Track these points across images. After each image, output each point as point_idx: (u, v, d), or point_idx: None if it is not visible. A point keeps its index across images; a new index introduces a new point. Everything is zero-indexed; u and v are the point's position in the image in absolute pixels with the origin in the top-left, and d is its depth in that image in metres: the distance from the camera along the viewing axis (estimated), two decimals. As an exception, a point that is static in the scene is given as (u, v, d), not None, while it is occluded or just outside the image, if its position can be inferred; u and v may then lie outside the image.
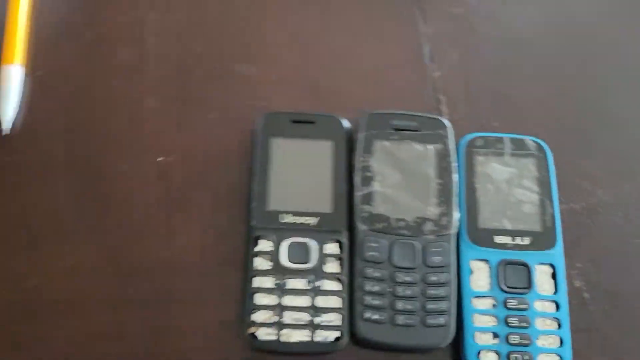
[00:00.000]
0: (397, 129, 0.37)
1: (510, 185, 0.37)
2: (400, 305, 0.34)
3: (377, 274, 0.34)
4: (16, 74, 0.38)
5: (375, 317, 0.34)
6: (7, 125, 0.38)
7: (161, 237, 0.36)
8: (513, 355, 0.34)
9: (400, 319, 0.34)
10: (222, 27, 0.42)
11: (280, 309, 0.34)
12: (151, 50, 0.40)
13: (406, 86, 0.41)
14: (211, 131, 0.39)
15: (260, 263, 0.35)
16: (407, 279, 0.34)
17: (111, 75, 0.40)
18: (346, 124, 0.38)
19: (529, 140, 0.38)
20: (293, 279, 0.34)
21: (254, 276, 0.34)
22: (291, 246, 0.35)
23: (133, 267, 0.36)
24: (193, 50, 0.41)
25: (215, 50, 0.41)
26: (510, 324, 0.34)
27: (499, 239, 0.36)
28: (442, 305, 0.34)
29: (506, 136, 0.38)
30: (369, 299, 0.34)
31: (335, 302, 0.34)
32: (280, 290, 0.34)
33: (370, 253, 0.35)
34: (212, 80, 0.40)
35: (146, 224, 0.36)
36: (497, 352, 0.34)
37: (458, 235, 0.36)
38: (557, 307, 0.35)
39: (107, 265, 0.35)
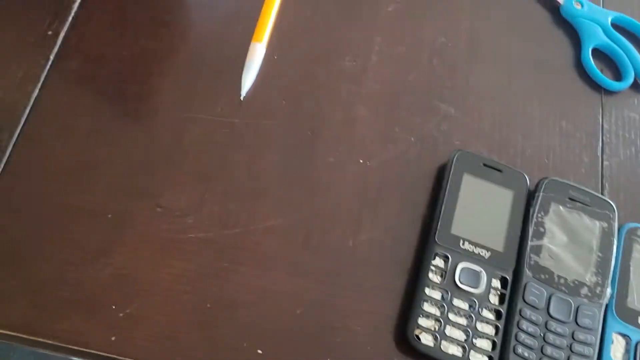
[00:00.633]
0: (571, 199, 0.42)
1: (659, 277, 0.41)
2: (549, 350, 0.38)
3: (534, 317, 0.38)
4: (260, 51, 0.44)
5: (526, 354, 0.38)
6: (244, 93, 0.43)
7: (349, 226, 0.41)
8: None
9: (547, 362, 0.38)
10: (433, 67, 0.47)
11: (444, 321, 0.38)
12: (373, 67, 0.46)
13: (579, 166, 0.46)
14: (409, 151, 0.44)
15: (434, 276, 0.39)
16: (559, 330, 0.38)
17: (335, 77, 0.45)
18: (528, 181, 0.42)
19: (683, 243, 0.42)
20: (459, 299, 0.38)
21: (427, 286, 0.39)
22: (465, 269, 0.39)
23: (319, 244, 0.40)
24: (406, 78, 0.46)
25: (424, 84, 0.46)
26: (638, 398, 0.38)
27: (642, 321, 0.40)
28: (584, 361, 0.38)
29: (664, 234, 0.43)
30: (523, 337, 0.38)
31: (491, 330, 0.38)
32: (447, 305, 0.38)
33: (532, 297, 0.39)
34: (417, 109, 0.45)
35: (339, 212, 0.41)
36: (621, 419, 0.37)
37: (606, 307, 0.40)
38: (681, 398, 0.38)
39: (299, 236, 0.40)
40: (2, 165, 0.38)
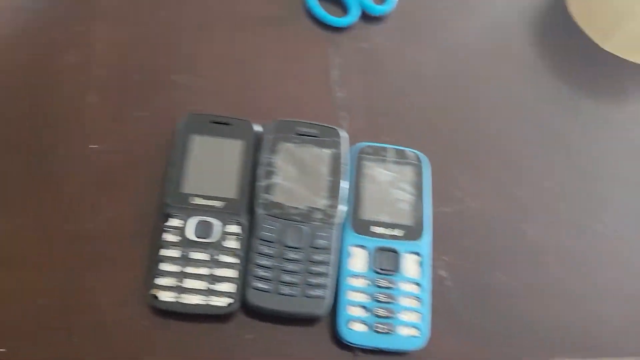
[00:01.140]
0: (299, 134, 0.44)
1: (390, 186, 0.44)
2: (286, 277, 0.40)
3: (268, 251, 0.41)
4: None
5: (264, 286, 0.40)
6: (-39, 108, 0.43)
7: (88, 211, 0.42)
8: (378, 325, 0.40)
9: (285, 290, 0.40)
10: (164, 40, 0.49)
11: (182, 276, 0.40)
12: (96, 56, 0.47)
13: (314, 103, 0.48)
14: (141, 127, 0.45)
15: (168, 237, 0.40)
16: (294, 256, 0.41)
17: (59, 72, 0.46)
18: (257, 127, 0.45)
19: (409, 151, 0.45)
20: (197, 252, 0.40)
21: (161, 247, 0.40)
22: (198, 224, 0.41)
23: (62, 234, 0.41)
24: (134, 58, 0.48)
25: (153, 61, 0.48)
26: (378, 300, 0.40)
27: (375, 229, 0.42)
28: (321, 280, 0.40)
29: (390, 147, 0.45)
30: (258, 271, 0.40)
31: (232, 273, 0.40)
32: (184, 260, 0.40)
33: (265, 233, 0.41)
34: (148, 85, 0.47)
35: (76, 199, 0.42)
36: (364, 323, 0.40)
37: (344, 225, 0.42)
38: (420, 288, 0.41)
39: (40, 231, 0.41)
40: None
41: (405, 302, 0.41)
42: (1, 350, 0.37)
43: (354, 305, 0.40)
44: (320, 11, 0.52)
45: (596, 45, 0.56)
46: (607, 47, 0.55)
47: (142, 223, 0.42)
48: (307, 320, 0.41)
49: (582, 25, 0.56)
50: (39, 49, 0.47)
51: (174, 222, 0.41)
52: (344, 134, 0.45)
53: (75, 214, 0.42)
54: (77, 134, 0.44)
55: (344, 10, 0.53)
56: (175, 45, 0.49)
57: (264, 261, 0.40)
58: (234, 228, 0.41)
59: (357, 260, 0.42)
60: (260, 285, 0.40)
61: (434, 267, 0.43)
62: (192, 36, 0.49)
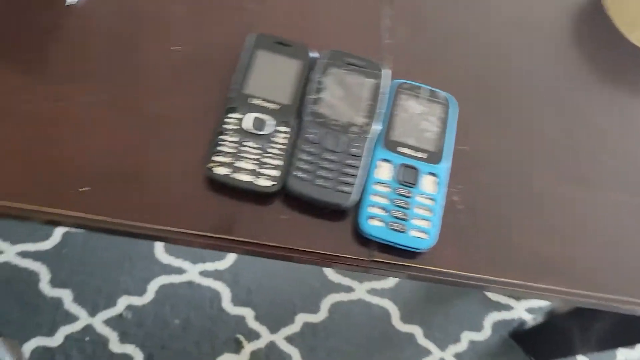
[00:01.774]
0: (349, 64, 0.52)
1: (420, 118, 0.51)
2: (321, 172, 0.47)
3: (309, 149, 0.48)
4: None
5: (303, 176, 0.47)
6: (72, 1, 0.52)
7: (163, 96, 0.50)
8: (393, 224, 0.47)
9: (320, 181, 0.47)
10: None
11: (236, 157, 0.47)
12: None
13: (366, 44, 0.56)
14: (216, 38, 0.53)
15: (229, 126, 0.48)
16: (331, 157, 0.48)
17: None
18: (314, 53, 0.52)
19: (440, 92, 0.52)
20: (250, 141, 0.48)
21: (223, 133, 0.48)
22: (255, 119, 0.48)
23: (140, 113, 0.49)
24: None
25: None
26: (396, 204, 0.47)
27: (402, 149, 0.49)
28: (350, 180, 0.47)
29: (425, 86, 0.52)
30: (300, 164, 0.47)
31: (277, 162, 0.48)
32: (239, 145, 0.48)
33: (309, 135, 0.48)
34: (225, 7, 0.55)
35: (154, 88, 0.50)
36: (382, 220, 0.47)
37: (376, 142, 0.50)
38: (434, 202, 0.48)
39: (121, 108, 0.49)
40: None
41: (419, 210, 0.48)
42: (86, 188, 0.45)
43: (375, 206, 0.47)
44: (381, -31, 0.59)
45: (622, 36, 0.62)
46: (632, 38, 0.62)
47: (207, 113, 0.50)
48: (334, 214, 0.48)
49: (613, 14, 0.63)
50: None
51: (235, 115, 0.49)
52: (386, 70, 0.52)
53: (152, 98, 0.50)
54: (162, 36, 0.52)
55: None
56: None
57: (305, 157, 0.48)
58: (283, 127, 0.49)
59: (383, 171, 0.49)
60: (300, 174, 0.47)
61: (449, 192, 0.50)
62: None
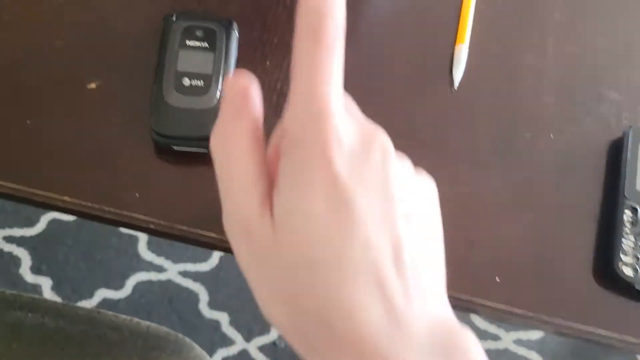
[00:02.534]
0: None
1: None
2: None
3: None
4: (465, 51, 0.55)
5: None
6: (456, 85, 0.54)
7: (549, 187, 0.51)
8: None
9: None
10: (596, 59, 0.58)
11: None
12: (550, 62, 0.57)
13: None
14: (587, 129, 0.54)
15: (627, 224, 0.49)
16: None
17: (521, 71, 0.56)
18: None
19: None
20: (648, 241, 0.48)
21: (620, 230, 0.48)
22: (650, 218, 0.49)
23: (524, 205, 0.50)
24: (579, 73, 0.57)
25: (592, 75, 0.57)
26: None
27: None
28: None
29: None
30: None
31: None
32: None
33: None
34: (589, 95, 0.56)
35: (538, 176, 0.51)
36: None
37: None
38: None
39: (516, 195, 0.50)
40: None
41: None
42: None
43: None
44: None
45: None
46: None
47: (591, 206, 0.51)
48: None
49: None
50: (495, 50, 0.57)
51: (630, 213, 0.49)
52: None
53: (535, 188, 0.51)
54: (535, 124, 0.54)
55: None
56: (604, 64, 0.58)
57: None
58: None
59: None
60: None
61: None
62: (624, 57, 0.58)
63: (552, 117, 0.54)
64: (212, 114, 0.46)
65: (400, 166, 0.28)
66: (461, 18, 0.57)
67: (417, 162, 0.50)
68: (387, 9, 0.58)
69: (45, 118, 0.47)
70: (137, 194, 0.45)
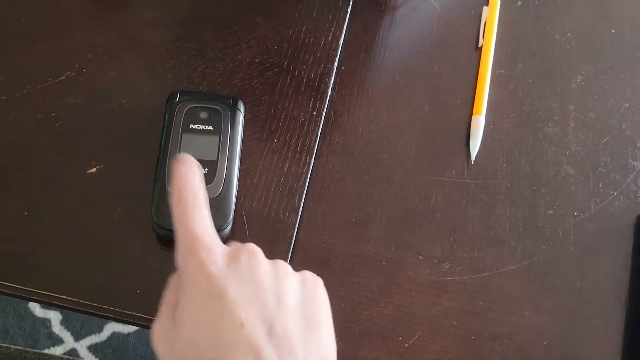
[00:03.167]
0: None
1: None
2: None
3: None
4: (481, 122, 0.52)
5: None
6: (473, 158, 0.51)
7: (575, 271, 0.48)
8: None
9: None
10: (622, 130, 0.55)
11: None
12: (572, 132, 0.54)
13: None
14: (613, 203, 0.51)
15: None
16: None
17: (542, 140, 0.53)
18: None
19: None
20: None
21: (652, 320, 0.45)
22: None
23: (553, 285, 0.47)
24: (600, 141, 0.54)
25: (618, 145, 0.54)
26: None
27: None
28: None
29: None
30: None
31: None
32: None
33: None
34: (614, 167, 0.53)
35: (564, 258, 0.48)
36: None
37: None
38: None
39: (534, 278, 0.47)
40: (297, 222, 0.47)
41: None
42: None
43: None
44: None
45: None
46: None
47: (622, 290, 0.47)
48: None
49: None
50: (514, 119, 0.54)
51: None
52: None
53: (565, 270, 0.48)
54: (561, 200, 0.51)
55: None
56: (630, 132, 0.55)
57: None
58: None
59: None
60: None
61: None
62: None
63: (575, 191, 0.51)
64: (217, 203, 0.44)
65: (269, 262, 0.35)
66: (478, 87, 0.54)
67: (430, 245, 0.49)
68: (400, 74, 0.55)
69: (43, 207, 0.45)
70: (138, 290, 0.43)
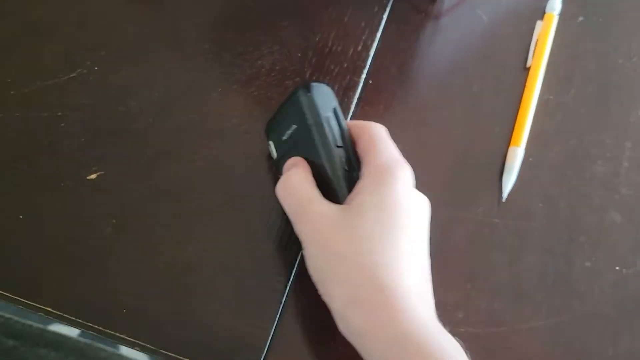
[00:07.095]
0: None
1: None
2: None
3: None
4: (520, 155, 0.47)
5: None
6: (505, 195, 0.46)
7: (607, 335, 0.42)
8: None
9: None
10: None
11: None
12: (625, 172, 0.47)
13: None
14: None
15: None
16: None
17: (588, 181, 0.47)
18: None
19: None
20: None
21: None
22: None
23: (579, 350, 0.42)
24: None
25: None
26: None
27: None
28: None
29: None
30: None
31: None
32: None
33: None
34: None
35: (596, 320, 0.43)
36: None
37: None
38: None
39: (559, 340, 0.42)
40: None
41: None
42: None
43: None
44: None
45: None
46: None
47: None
48: None
49: None
50: (557, 153, 0.48)
51: None
52: None
53: (595, 334, 0.42)
54: (602, 251, 0.45)
55: None
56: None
57: None
58: None
59: None
60: None
61: None
62: None
63: (620, 242, 0.45)
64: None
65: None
66: (520, 113, 0.48)
67: (445, 289, 0.43)
68: (434, 91, 0.50)
69: (36, 212, 0.44)
70: (124, 310, 0.41)
